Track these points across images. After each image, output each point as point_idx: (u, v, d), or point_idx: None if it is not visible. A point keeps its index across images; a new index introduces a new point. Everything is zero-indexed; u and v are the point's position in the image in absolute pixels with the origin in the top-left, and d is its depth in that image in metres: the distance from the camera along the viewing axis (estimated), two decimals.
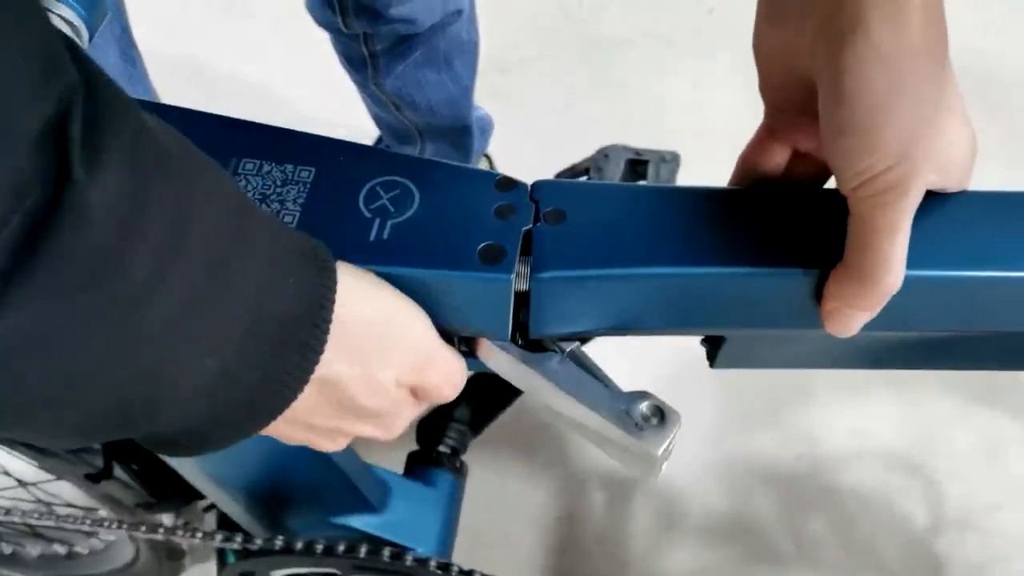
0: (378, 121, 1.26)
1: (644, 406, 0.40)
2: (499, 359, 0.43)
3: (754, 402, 1.26)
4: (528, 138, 1.47)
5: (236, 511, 0.74)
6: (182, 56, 1.61)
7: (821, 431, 1.24)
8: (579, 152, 1.47)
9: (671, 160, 0.76)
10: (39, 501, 0.96)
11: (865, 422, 1.25)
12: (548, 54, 1.63)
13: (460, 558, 0.78)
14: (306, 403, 0.36)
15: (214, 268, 0.29)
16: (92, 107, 0.25)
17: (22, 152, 0.23)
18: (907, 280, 0.37)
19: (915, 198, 0.36)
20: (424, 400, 0.43)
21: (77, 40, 0.37)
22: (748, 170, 0.44)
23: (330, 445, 0.42)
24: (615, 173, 0.53)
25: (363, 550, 0.71)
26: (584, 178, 0.60)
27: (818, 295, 0.39)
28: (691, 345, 0.47)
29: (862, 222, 0.37)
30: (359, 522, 0.74)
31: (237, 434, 0.34)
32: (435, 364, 0.41)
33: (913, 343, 0.46)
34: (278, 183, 0.40)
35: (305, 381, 0.34)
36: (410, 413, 0.42)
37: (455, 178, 0.41)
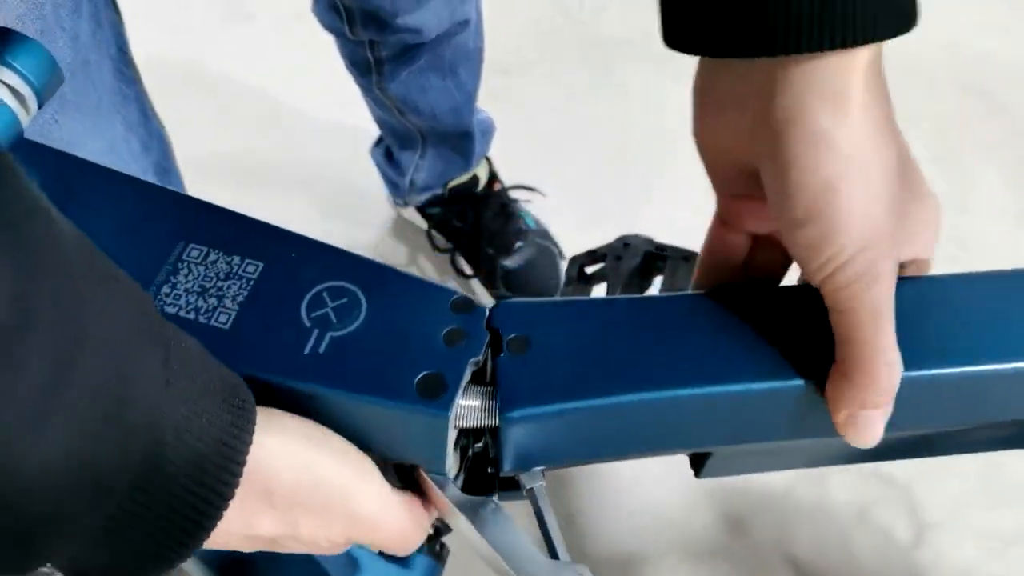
0: (380, 124, 1.26)
1: None
2: (432, 493, 0.39)
3: None
4: (528, 139, 1.47)
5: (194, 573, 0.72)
6: (184, 59, 1.62)
7: None
8: (579, 153, 1.48)
9: (691, 260, 0.74)
10: None
11: None
12: (548, 56, 1.63)
13: None
14: (230, 537, 0.33)
15: (107, 402, 0.26)
16: None
17: None
18: (906, 381, 0.35)
19: (889, 280, 0.35)
20: None
21: (22, 110, 0.36)
22: (711, 268, 0.42)
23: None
24: (632, 266, 0.52)
25: None
26: (601, 264, 0.58)
27: (809, 403, 0.37)
28: None
29: (842, 315, 0.35)
30: None
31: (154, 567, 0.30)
32: (382, 528, 0.37)
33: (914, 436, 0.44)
34: (221, 276, 0.37)
35: (203, 534, 0.30)
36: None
37: (409, 292, 0.38)
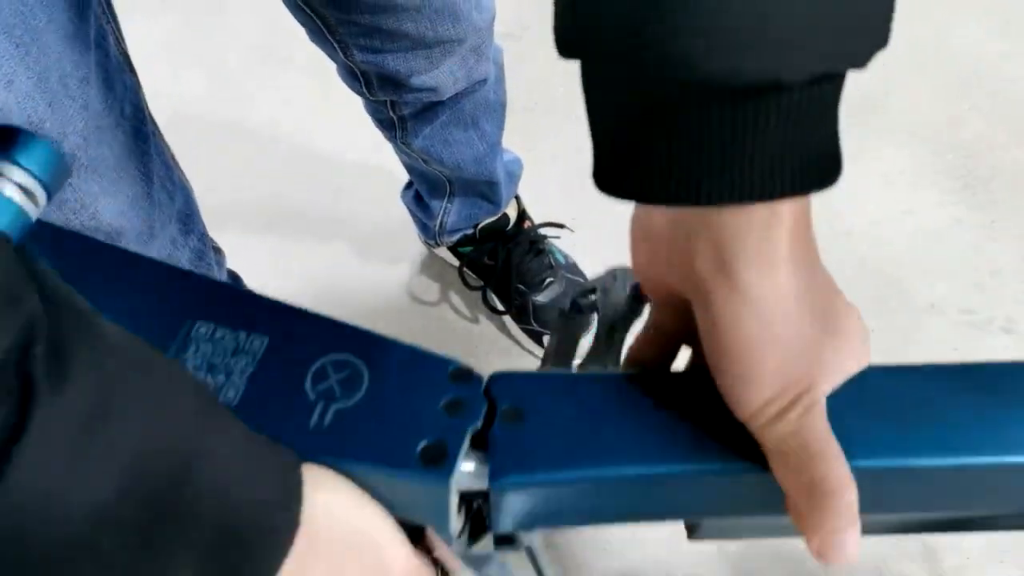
0: (409, 170, 1.30)
1: None
2: (442, 551, 0.41)
3: None
4: (555, 175, 1.50)
5: None
6: (222, 102, 1.68)
7: None
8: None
9: None
10: None
11: None
12: (575, 92, 1.65)
13: None
14: None
15: (181, 472, 0.29)
16: (58, 326, 0.26)
17: None
18: (867, 472, 0.35)
19: (814, 417, 0.34)
20: None
21: (31, 205, 0.37)
22: (635, 362, 0.44)
23: None
24: (621, 297, 0.54)
25: None
26: (593, 297, 0.61)
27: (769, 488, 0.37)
28: None
29: (771, 455, 0.35)
30: None
31: None
32: None
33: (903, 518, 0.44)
34: (229, 352, 0.38)
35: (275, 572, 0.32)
36: None
37: (409, 363, 0.39)
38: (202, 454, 0.30)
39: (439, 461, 0.36)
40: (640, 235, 0.39)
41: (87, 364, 0.26)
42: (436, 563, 0.43)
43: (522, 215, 1.40)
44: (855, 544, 0.34)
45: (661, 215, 0.37)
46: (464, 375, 0.39)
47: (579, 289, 0.66)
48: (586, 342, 0.52)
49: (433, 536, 0.40)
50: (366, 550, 0.37)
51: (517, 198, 1.39)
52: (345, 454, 0.36)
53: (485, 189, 1.28)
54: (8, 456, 0.24)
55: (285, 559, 0.32)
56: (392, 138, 1.18)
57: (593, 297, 0.77)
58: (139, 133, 0.68)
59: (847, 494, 0.34)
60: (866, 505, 0.35)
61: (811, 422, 0.34)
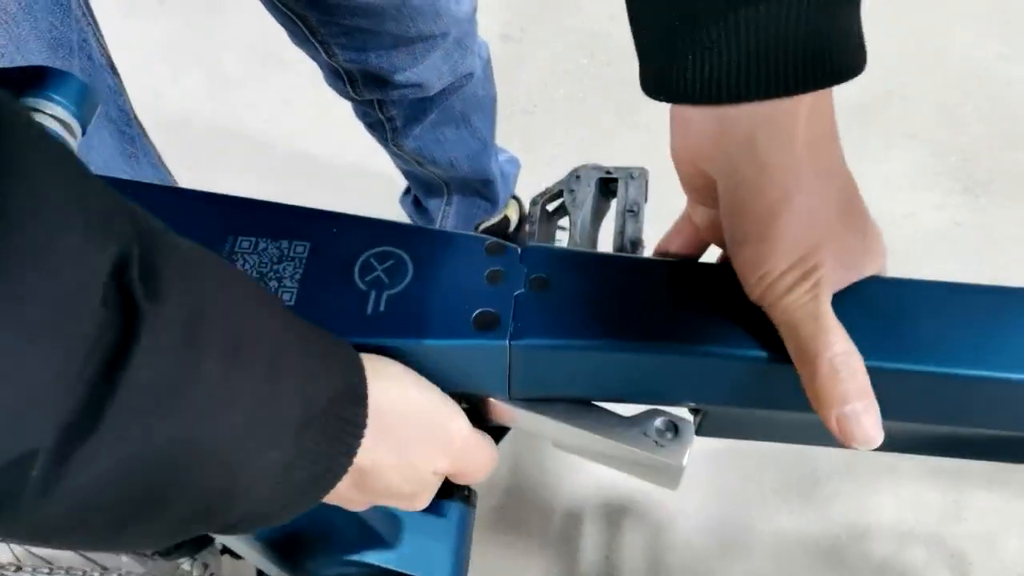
0: (405, 174, 1.30)
1: (658, 423, 0.42)
2: (510, 415, 0.44)
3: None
4: (553, 178, 1.49)
5: (252, 554, 0.77)
6: (220, 105, 1.69)
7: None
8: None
9: (639, 176, 0.79)
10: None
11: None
12: (574, 95, 1.67)
13: None
14: (344, 493, 0.38)
15: (269, 368, 0.32)
16: (145, 246, 0.28)
17: (96, 299, 0.26)
18: (887, 373, 0.37)
19: (827, 291, 0.37)
20: (454, 480, 0.45)
21: (70, 138, 0.39)
22: (664, 251, 0.47)
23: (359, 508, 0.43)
24: (587, 193, 0.56)
25: None
26: (560, 200, 0.63)
27: (785, 378, 0.38)
28: None
29: (781, 327, 0.38)
30: (374, 557, 0.76)
31: (293, 513, 0.36)
32: (471, 456, 0.43)
33: (913, 432, 0.45)
34: (274, 260, 0.41)
35: (353, 455, 0.36)
36: (435, 489, 0.45)
37: (446, 245, 0.42)
38: (286, 348, 0.33)
39: (493, 326, 0.39)
40: (678, 123, 0.41)
41: (177, 278, 0.29)
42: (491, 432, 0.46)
43: (523, 218, 1.39)
44: (873, 424, 0.36)
45: (695, 108, 0.39)
46: (499, 248, 0.42)
47: (546, 195, 0.67)
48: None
49: (495, 403, 0.43)
50: (430, 426, 0.40)
51: (518, 201, 1.39)
52: (405, 334, 0.39)
53: (481, 188, 1.28)
54: (125, 362, 0.26)
55: (359, 444, 0.36)
56: (384, 141, 1.17)
57: (561, 200, 0.80)
58: (124, 135, 0.68)
59: (853, 360, 0.36)
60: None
61: (820, 297, 0.37)
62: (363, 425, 0.36)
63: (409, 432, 0.39)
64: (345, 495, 0.38)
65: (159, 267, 0.28)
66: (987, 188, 1.49)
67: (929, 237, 1.42)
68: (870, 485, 1.23)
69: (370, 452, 0.36)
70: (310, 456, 0.34)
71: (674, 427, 0.42)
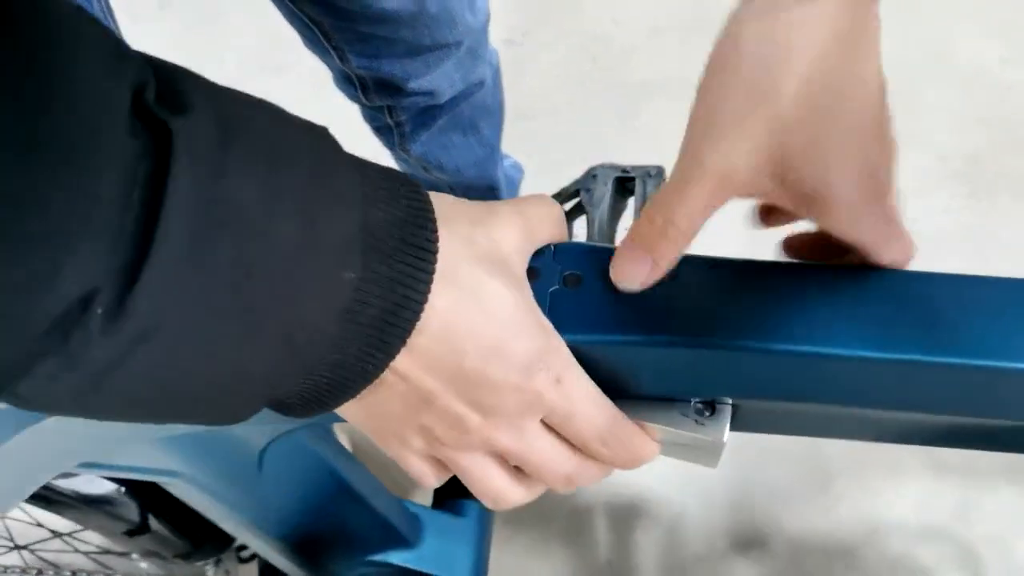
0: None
1: (695, 402, 0.42)
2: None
3: None
4: (557, 182, 1.50)
5: (276, 557, 0.76)
6: None
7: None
8: None
9: (656, 175, 0.79)
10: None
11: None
12: (576, 100, 1.67)
13: None
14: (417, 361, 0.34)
15: (316, 178, 0.30)
16: (160, 72, 0.28)
17: (124, 128, 0.25)
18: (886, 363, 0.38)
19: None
20: (564, 435, 0.40)
21: None
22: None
23: (428, 470, 0.40)
24: (605, 192, 0.55)
25: None
26: (575, 200, 0.62)
27: (819, 372, 0.39)
28: None
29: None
30: (396, 557, 0.76)
31: (368, 364, 0.32)
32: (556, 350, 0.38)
33: (931, 424, 0.46)
34: None
35: (430, 283, 0.32)
36: (556, 458, 0.40)
37: None
38: (334, 163, 0.32)
39: None
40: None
41: (198, 91, 0.28)
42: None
43: None
44: (641, 274, 0.38)
45: None
46: None
47: (561, 195, 0.67)
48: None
49: None
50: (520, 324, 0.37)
51: None
52: None
53: (486, 195, 1.27)
54: (166, 175, 0.25)
55: (432, 274, 0.33)
56: (391, 145, 1.17)
57: (578, 199, 0.79)
58: None
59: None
60: (873, 395, 0.39)
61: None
62: (434, 251, 0.33)
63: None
64: (415, 371, 0.34)
65: (180, 84, 0.28)
66: (992, 192, 1.49)
67: (935, 241, 1.42)
68: (881, 482, 1.23)
69: (443, 296, 0.33)
70: (380, 277, 0.31)
71: (710, 405, 0.42)
